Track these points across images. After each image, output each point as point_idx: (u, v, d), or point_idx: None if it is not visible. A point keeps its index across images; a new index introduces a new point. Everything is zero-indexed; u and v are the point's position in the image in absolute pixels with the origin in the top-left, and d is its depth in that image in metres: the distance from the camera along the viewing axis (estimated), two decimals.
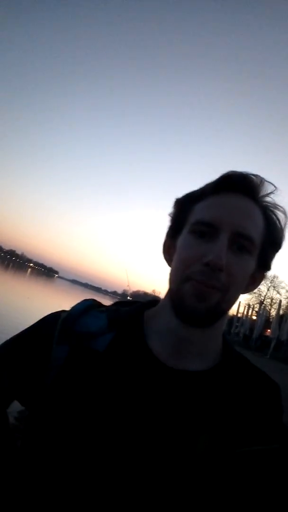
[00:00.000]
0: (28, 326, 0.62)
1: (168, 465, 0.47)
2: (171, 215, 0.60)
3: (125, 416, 0.49)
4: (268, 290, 49.02)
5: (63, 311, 0.61)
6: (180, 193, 0.60)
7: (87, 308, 0.60)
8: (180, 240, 0.56)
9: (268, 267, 0.59)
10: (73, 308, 0.60)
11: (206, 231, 0.52)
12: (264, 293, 48.84)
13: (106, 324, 0.57)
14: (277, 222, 0.56)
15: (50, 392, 0.52)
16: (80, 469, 0.47)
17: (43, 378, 0.54)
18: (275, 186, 0.56)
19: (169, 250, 0.61)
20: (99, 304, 0.63)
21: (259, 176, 0.55)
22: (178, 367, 0.53)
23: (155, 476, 0.47)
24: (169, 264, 0.59)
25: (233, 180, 0.54)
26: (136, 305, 0.63)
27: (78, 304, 0.61)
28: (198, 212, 0.54)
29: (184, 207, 0.58)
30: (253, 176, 0.55)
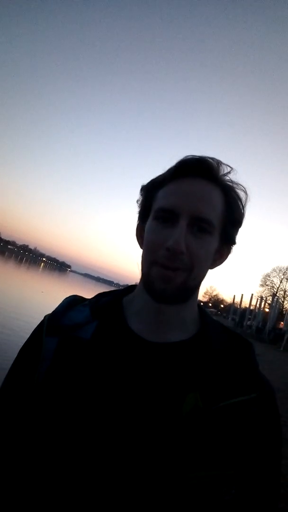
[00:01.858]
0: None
1: (159, 425, 0.52)
2: (139, 202, 0.65)
3: (115, 390, 0.53)
4: (281, 282, 48.41)
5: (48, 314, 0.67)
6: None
7: (70, 304, 0.65)
8: (147, 226, 0.61)
9: (232, 242, 0.62)
10: (57, 306, 0.65)
11: (168, 217, 0.56)
12: (277, 285, 48.25)
13: (89, 315, 0.62)
14: (237, 200, 0.60)
15: (46, 380, 0.57)
16: (80, 434, 0.52)
17: (37, 369, 0.58)
18: (231, 167, 0.59)
19: (140, 234, 0.65)
20: (82, 299, 0.68)
21: (216, 158, 0.58)
22: (159, 341, 0.58)
23: (147, 437, 0.51)
24: (141, 247, 0.62)
25: (189, 165, 0.57)
26: (113, 293, 0.69)
27: (61, 302, 0.66)
28: (160, 200, 0.58)
29: (149, 193, 0.62)
30: (209, 159, 0.58)
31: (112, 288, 0.78)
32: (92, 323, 0.61)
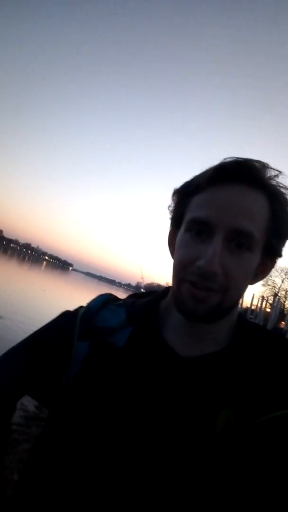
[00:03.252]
0: (46, 319, 0.64)
1: (189, 445, 0.48)
2: (170, 208, 0.59)
3: (145, 405, 0.50)
4: (282, 282, 48.23)
5: (81, 307, 0.63)
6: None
7: (104, 302, 0.62)
8: (178, 238, 0.56)
9: (278, 255, 0.55)
10: (91, 303, 0.62)
11: (202, 229, 0.50)
12: (279, 285, 48.09)
13: (125, 319, 0.59)
14: (286, 207, 0.52)
15: (74, 386, 0.54)
16: (106, 447, 0.48)
17: (65, 372, 0.55)
18: (279, 171, 0.52)
19: (172, 243, 0.60)
20: (116, 298, 0.66)
21: (261, 161, 0.51)
22: (192, 354, 0.54)
23: (177, 455, 0.47)
24: (173, 257, 0.58)
25: (228, 170, 0.50)
26: (151, 297, 0.64)
27: (95, 299, 0.63)
28: (194, 208, 0.52)
29: (182, 200, 0.56)
30: (252, 162, 0.51)
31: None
32: (126, 329, 0.57)
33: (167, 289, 0.65)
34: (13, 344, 0.63)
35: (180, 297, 0.52)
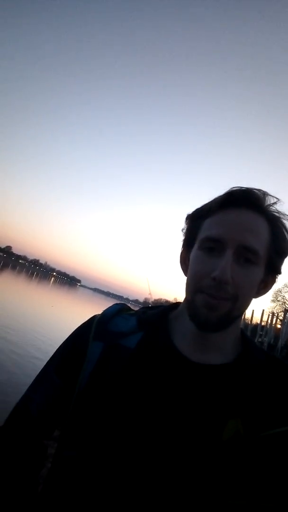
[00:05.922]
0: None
1: (196, 450, 0.51)
2: (184, 230, 0.68)
3: (156, 406, 0.54)
4: None
5: (97, 314, 0.69)
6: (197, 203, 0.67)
7: (118, 311, 0.69)
8: (192, 255, 0.63)
9: (278, 272, 0.63)
10: (106, 311, 0.69)
11: (214, 247, 0.57)
12: None
13: (136, 325, 0.65)
14: (283, 230, 0.61)
15: (88, 383, 0.59)
16: (117, 446, 0.52)
17: (81, 371, 0.60)
18: (277, 198, 0.61)
19: (185, 261, 0.67)
20: (129, 308, 0.72)
21: (262, 190, 0.61)
22: (200, 361, 0.59)
23: (183, 461, 0.51)
24: (185, 274, 0.65)
25: (235, 197, 0.59)
26: (161, 308, 0.71)
27: (110, 307, 0.70)
28: (206, 229, 0.60)
29: (194, 223, 0.64)
30: (255, 191, 0.60)
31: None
32: (137, 334, 0.63)
33: (176, 303, 0.71)
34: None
35: (194, 306, 0.58)
